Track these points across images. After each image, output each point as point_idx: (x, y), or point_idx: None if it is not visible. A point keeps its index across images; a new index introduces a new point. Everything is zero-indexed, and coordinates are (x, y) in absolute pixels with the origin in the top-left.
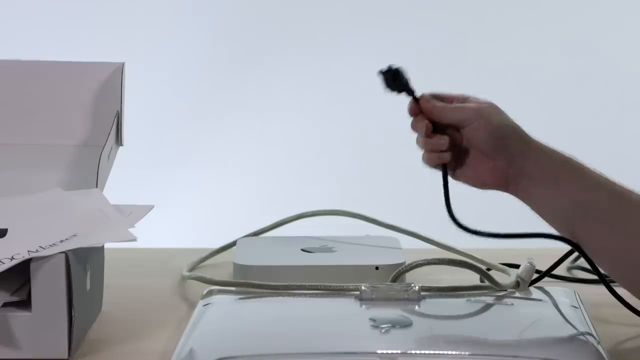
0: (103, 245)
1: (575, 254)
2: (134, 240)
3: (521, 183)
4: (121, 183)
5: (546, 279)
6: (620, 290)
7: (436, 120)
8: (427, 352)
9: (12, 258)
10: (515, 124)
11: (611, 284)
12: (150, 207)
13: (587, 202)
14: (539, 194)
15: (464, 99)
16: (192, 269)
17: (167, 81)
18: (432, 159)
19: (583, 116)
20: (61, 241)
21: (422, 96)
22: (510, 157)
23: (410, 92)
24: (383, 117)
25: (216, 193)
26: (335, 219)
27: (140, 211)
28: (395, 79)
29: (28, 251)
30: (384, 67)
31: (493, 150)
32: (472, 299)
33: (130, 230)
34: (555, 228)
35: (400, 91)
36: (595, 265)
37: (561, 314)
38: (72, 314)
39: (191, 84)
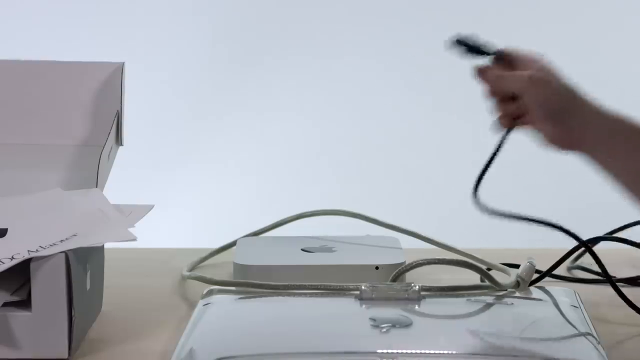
0: (103, 245)
1: (576, 253)
2: (134, 240)
3: (584, 149)
4: (121, 183)
5: (546, 279)
6: (626, 290)
7: (496, 90)
8: (427, 352)
9: (12, 258)
10: (569, 90)
11: (617, 284)
12: (150, 207)
13: None
14: (603, 160)
15: (530, 60)
16: (192, 269)
17: (167, 81)
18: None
19: None
20: (61, 241)
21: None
22: (568, 128)
23: (486, 52)
24: (383, 117)
25: (216, 193)
26: (335, 219)
27: (140, 211)
28: (470, 46)
29: (28, 251)
30: (455, 36)
31: (549, 121)
32: (472, 298)
33: (130, 230)
34: (624, 191)
35: (477, 54)
36: (603, 266)
37: (561, 313)
38: (72, 313)
39: (191, 84)
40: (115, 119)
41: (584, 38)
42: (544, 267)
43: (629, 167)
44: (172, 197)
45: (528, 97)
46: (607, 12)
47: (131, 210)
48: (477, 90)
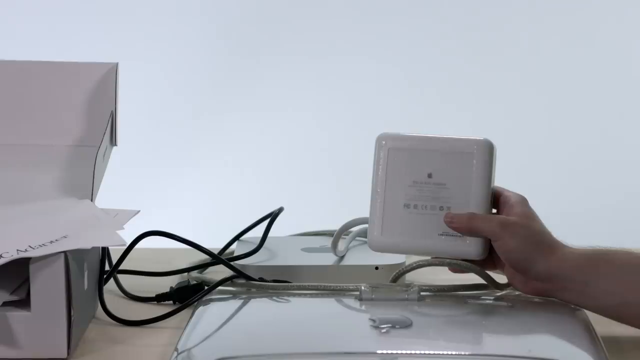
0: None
1: None
2: (124, 244)
3: (556, 294)
4: (121, 183)
5: None
6: None
7: (466, 228)
8: (427, 352)
9: (1, 257)
10: (537, 238)
11: None
12: (136, 212)
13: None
14: (577, 300)
15: (508, 203)
16: (192, 269)
17: (167, 81)
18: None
19: (583, 116)
20: (51, 242)
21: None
22: (535, 276)
23: None
24: (384, 117)
25: (216, 193)
26: (335, 219)
27: (126, 215)
28: None
29: (17, 250)
30: None
31: (517, 270)
32: (472, 299)
33: (120, 233)
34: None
35: None
36: None
37: (561, 313)
38: (72, 313)
39: (191, 84)
40: (110, 119)
41: (585, 38)
42: None
43: (606, 298)
44: (172, 197)
45: (498, 245)
46: (608, 12)
47: (116, 213)
48: (478, 90)
